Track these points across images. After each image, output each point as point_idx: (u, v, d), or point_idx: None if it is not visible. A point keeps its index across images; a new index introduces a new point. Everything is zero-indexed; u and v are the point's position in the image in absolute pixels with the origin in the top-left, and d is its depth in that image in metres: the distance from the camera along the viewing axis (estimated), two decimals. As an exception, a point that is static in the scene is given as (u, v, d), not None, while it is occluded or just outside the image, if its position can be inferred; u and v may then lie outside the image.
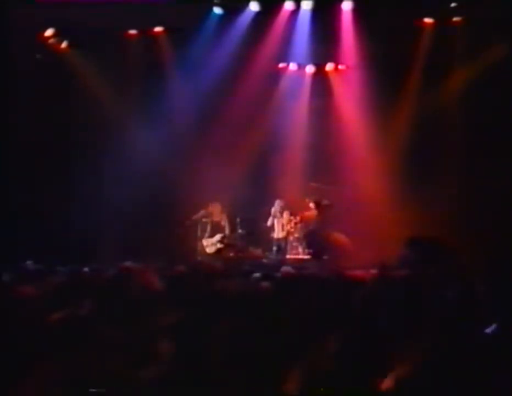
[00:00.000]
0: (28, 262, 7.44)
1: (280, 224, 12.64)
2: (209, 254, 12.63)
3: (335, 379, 3.51)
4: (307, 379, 3.52)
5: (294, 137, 13.39)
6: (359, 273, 6.60)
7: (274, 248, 12.59)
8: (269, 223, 12.71)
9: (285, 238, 12.61)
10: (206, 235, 12.79)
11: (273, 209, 12.70)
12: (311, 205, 12.55)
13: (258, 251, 12.79)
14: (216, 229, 12.75)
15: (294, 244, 12.72)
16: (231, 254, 12.56)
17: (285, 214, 12.66)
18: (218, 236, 12.71)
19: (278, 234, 12.64)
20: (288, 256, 12.45)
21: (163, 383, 3.55)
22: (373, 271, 7.13)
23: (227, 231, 12.75)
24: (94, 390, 3.54)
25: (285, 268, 8.05)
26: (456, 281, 5.54)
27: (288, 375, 3.54)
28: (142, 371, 3.59)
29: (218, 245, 12.67)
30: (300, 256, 12.57)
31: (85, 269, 7.05)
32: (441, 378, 3.42)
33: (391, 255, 11.88)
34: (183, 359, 3.66)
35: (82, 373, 3.60)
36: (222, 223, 12.77)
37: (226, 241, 12.68)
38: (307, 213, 12.66)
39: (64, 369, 3.61)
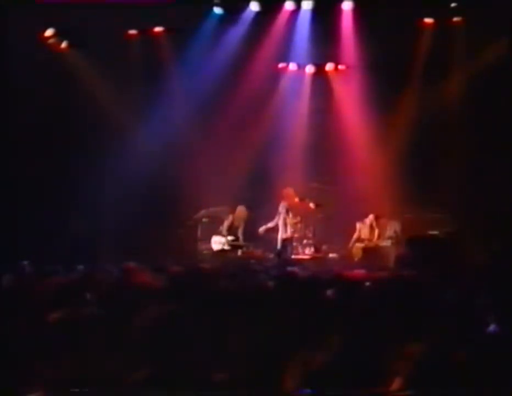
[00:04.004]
0: (25, 262, 7.44)
1: (284, 225, 12.61)
2: (212, 251, 12.62)
3: (335, 379, 3.51)
4: (307, 379, 3.53)
5: (294, 137, 13.39)
6: (358, 273, 6.60)
7: (279, 248, 12.55)
8: (272, 224, 12.66)
9: (290, 239, 12.59)
10: (222, 230, 12.70)
11: (279, 210, 12.65)
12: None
13: (258, 251, 12.79)
14: (233, 231, 12.68)
15: (295, 244, 12.72)
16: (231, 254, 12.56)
17: (290, 215, 12.62)
18: (230, 238, 12.64)
19: (282, 234, 12.60)
20: (292, 256, 12.44)
21: (162, 383, 3.55)
22: (373, 271, 7.13)
23: (240, 237, 12.68)
24: (92, 389, 3.54)
25: (291, 268, 8.07)
26: (455, 281, 5.54)
27: (288, 375, 3.54)
28: (141, 371, 3.59)
29: (226, 247, 12.63)
30: (300, 256, 12.57)
31: (86, 269, 7.05)
32: (441, 377, 3.42)
33: (391, 255, 11.95)
34: (182, 358, 3.66)
35: (82, 372, 3.60)
36: (240, 229, 12.69)
37: (234, 244, 12.63)
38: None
39: (64, 368, 3.61)
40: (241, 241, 12.64)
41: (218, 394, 3.56)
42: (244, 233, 12.69)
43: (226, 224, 12.71)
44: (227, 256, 12.45)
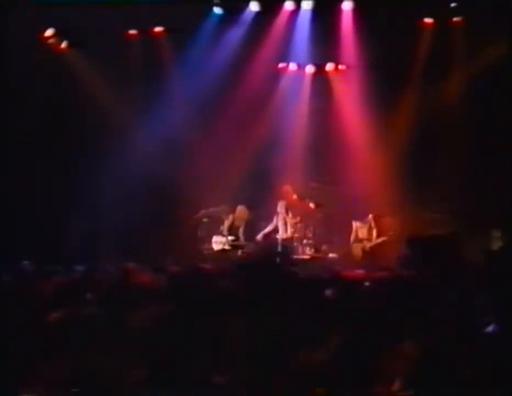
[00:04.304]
0: (25, 262, 7.44)
1: (283, 225, 12.60)
2: (213, 251, 12.62)
3: (334, 379, 3.51)
4: (307, 379, 3.53)
5: (294, 137, 13.38)
6: (358, 273, 6.60)
7: (279, 249, 12.53)
8: (271, 227, 12.64)
9: (290, 239, 12.58)
10: (222, 230, 12.70)
11: (278, 209, 12.62)
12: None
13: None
14: (233, 231, 12.67)
15: (295, 244, 12.71)
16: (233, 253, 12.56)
17: (289, 215, 12.61)
18: (230, 238, 12.64)
19: (282, 234, 12.59)
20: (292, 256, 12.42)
21: (162, 383, 3.55)
22: (373, 271, 7.14)
23: (241, 237, 12.67)
24: (92, 389, 3.54)
25: (291, 268, 8.07)
26: (455, 281, 5.54)
27: (288, 375, 3.54)
28: (140, 371, 3.59)
29: (226, 247, 12.63)
30: (300, 256, 12.55)
31: (86, 269, 7.06)
32: (441, 377, 3.42)
33: (390, 255, 11.95)
34: (182, 359, 3.66)
35: (82, 372, 3.60)
36: (241, 229, 12.69)
37: (235, 244, 12.63)
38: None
39: (64, 368, 3.61)
40: (242, 241, 12.63)
41: (218, 394, 3.56)
42: (245, 233, 12.68)
43: (227, 224, 12.70)
44: (228, 256, 12.45)
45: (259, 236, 12.70)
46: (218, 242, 12.69)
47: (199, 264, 8.75)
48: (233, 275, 6.34)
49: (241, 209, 12.64)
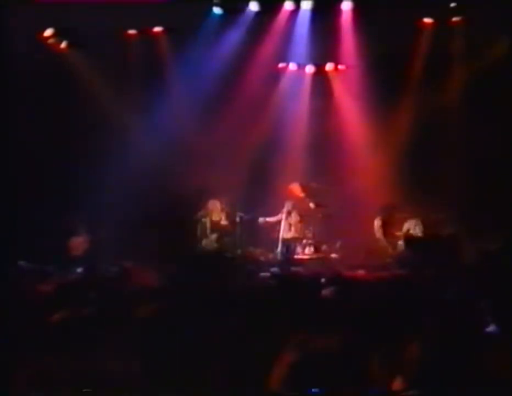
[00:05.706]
0: (25, 262, 7.45)
1: (287, 224, 12.61)
2: (208, 253, 12.60)
3: (334, 379, 3.51)
4: (306, 379, 3.53)
5: (294, 137, 13.39)
6: (359, 273, 6.62)
7: (280, 248, 12.53)
8: (274, 219, 12.64)
9: (293, 238, 12.58)
10: (207, 233, 12.74)
11: (284, 209, 12.62)
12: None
13: (258, 251, 12.78)
14: (215, 227, 12.71)
15: (296, 244, 12.71)
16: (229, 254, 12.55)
17: (293, 215, 12.61)
18: (214, 235, 12.67)
19: (286, 234, 12.58)
20: (294, 256, 12.43)
21: (160, 383, 3.55)
22: (373, 271, 7.16)
23: (224, 222, 12.69)
24: (92, 390, 3.54)
25: (294, 268, 8.08)
26: (455, 281, 5.55)
27: (287, 375, 3.54)
28: (141, 369, 3.60)
29: (215, 244, 12.64)
30: (300, 256, 12.56)
31: (86, 269, 7.07)
32: (441, 377, 3.42)
33: (390, 255, 11.96)
34: (181, 358, 3.66)
35: (81, 372, 3.61)
36: (222, 222, 12.73)
37: (223, 240, 12.65)
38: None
39: (64, 368, 3.61)
40: (228, 227, 12.62)
41: (216, 394, 3.57)
42: (228, 217, 12.65)
43: (208, 224, 12.73)
44: (224, 254, 12.45)
45: (261, 220, 12.68)
46: (208, 244, 12.71)
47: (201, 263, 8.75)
48: (232, 275, 6.34)
49: (211, 203, 12.68)
